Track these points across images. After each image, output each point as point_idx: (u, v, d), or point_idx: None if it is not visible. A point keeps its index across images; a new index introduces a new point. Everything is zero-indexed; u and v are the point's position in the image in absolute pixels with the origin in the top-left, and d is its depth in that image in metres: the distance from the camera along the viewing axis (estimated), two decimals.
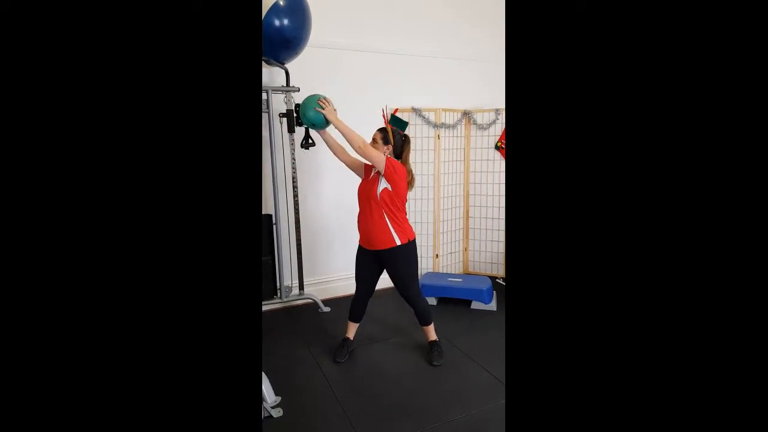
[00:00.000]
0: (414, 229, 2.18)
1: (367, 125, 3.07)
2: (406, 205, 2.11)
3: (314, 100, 2.04)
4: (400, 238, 2.01)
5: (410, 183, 2.06)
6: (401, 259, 2.03)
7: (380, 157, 1.93)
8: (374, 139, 2.05)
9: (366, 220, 2.03)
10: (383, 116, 2.17)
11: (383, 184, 1.98)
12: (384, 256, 2.03)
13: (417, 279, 2.14)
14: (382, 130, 2.05)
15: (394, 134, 2.04)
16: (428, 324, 2.21)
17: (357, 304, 2.21)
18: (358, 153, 1.93)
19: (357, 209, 2.11)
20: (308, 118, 2.07)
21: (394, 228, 2.01)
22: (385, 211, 1.99)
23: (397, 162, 2.01)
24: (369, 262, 2.11)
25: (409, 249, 2.05)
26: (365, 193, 2.04)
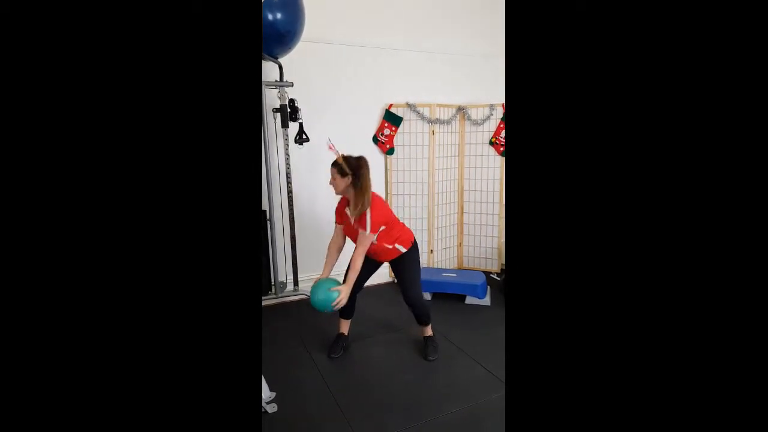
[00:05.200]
0: (408, 225, 2.16)
1: (361, 120, 3.07)
2: (400, 200, 2.10)
3: (328, 294, 1.90)
4: (404, 246, 2.06)
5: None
6: (407, 262, 2.08)
7: (369, 239, 1.92)
8: (332, 176, 1.91)
9: (378, 249, 2.01)
10: (331, 149, 1.96)
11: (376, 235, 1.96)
12: (396, 260, 2.08)
13: (420, 281, 2.13)
14: (335, 165, 1.90)
15: (349, 162, 1.89)
16: (427, 325, 2.22)
17: (349, 302, 2.17)
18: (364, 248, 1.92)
19: None
20: (319, 301, 1.91)
21: (397, 244, 2.04)
22: (386, 242, 2.01)
23: (376, 211, 1.91)
24: (367, 267, 2.08)
25: (413, 252, 2.11)
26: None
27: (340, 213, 2.07)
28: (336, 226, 2.09)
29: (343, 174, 1.89)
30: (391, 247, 2.03)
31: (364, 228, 1.90)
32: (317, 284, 1.96)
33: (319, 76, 2.86)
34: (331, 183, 1.94)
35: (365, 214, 1.90)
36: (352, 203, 1.93)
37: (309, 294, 1.96)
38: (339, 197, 2.09)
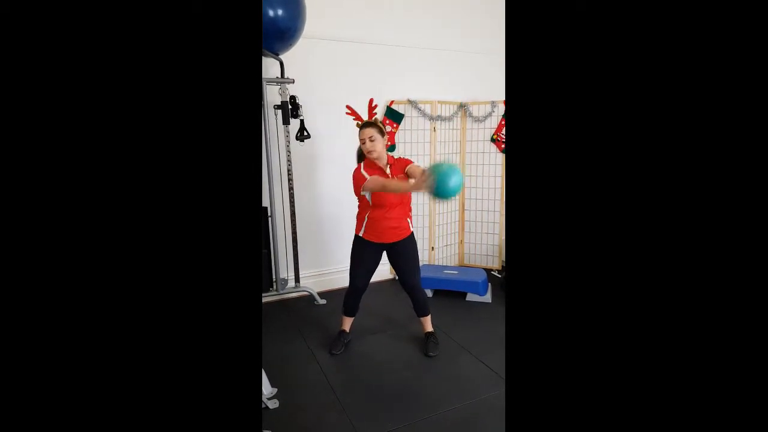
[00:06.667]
0: (410, 222, 2.18)
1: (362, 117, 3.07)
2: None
3: (458, 173, 1.62)
4: (410, 226, 2.14)
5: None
6: (411, 245, 2.13)
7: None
8: (371, 139, 1.94)
9: (399, 216, 2.06)
10: (352, 113, 2.07)
11: None
12: (403, 242, 2.10)
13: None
14: (373, 126, 1.96)
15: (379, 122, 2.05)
16: (426, 315, 2.23)
17: (354, 300, 2.21)
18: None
19: (353, 201, 2.11)
20: (450, 189, 1.60)
21: (408, 219, 2.13)
22: (405, 215, 2.12)
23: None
24: (374, 259, 2.13)
25: (413, 236, 2.18)
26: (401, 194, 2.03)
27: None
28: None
29: (382, 133, 1.98)
30: (408, 221, 2.12)
31: (406, 176, 2.00)
32: (451, 168, 1.59)
33: (320, 72, 2.86)
34: (369, 148, 1.95)
35: (402, 160, 2.05)
36: (383, 160, 2.01)
37: (437, 181, 1.56)
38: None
